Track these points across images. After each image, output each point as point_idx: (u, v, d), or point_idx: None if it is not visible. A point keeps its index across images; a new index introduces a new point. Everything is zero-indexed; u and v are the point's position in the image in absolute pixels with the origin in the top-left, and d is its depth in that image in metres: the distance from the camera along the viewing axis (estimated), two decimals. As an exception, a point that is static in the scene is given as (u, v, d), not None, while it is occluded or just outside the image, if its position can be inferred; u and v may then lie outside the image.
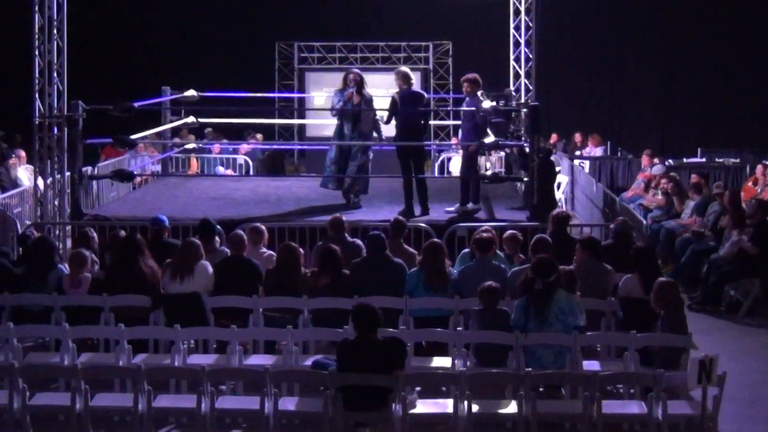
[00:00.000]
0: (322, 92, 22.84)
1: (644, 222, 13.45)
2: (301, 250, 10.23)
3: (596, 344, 9.43)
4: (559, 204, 16.55)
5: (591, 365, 8.59)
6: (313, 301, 9.46)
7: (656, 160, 18.17)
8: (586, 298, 9.28)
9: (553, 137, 21.83)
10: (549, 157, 15.18)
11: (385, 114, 13.61)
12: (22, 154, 17.93)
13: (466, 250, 10.66)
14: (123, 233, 11.25)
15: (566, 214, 11.54)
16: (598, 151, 21.43)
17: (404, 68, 13.93)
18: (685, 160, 20.37)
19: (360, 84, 13.72)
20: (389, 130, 13.83)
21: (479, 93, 13.40)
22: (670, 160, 19.08)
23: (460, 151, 15.47)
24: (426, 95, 14.34)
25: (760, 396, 9.24)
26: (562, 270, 8.93)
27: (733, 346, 10.77)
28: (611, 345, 9.20)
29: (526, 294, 8.66)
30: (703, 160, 20.60)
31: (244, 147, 20.04)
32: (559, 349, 8.50)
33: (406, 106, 13.31)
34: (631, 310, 9.24)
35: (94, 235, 11.27)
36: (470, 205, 13.41)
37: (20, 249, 12.55)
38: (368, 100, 13.86)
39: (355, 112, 13.68)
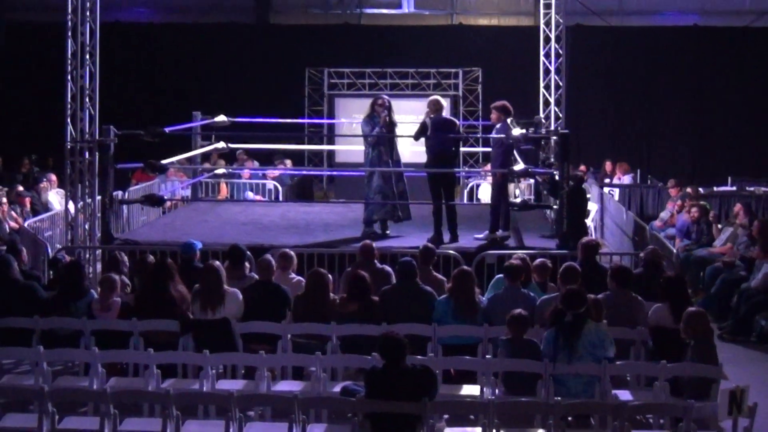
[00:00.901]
0: (351, 118, 22.87)
1: (674, 251, 13.38)
2: (329, 276, 10.23)
3: (626, 374, 9.37)
4: (589, 232, 16.46)
5: (621, 395, 8.54)
6: (342, 327, 9.46)
7: (689, 190, 18.04)
8: (616, 327, 9.24)
9: (582, 168, 21.72)
10: (581, 185, 15.12)
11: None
12: (53, 178, 18.11)
13: (500, 275, 10.56)
14: (151, 258, 11.30)
15: (595, 243, 11.48)
16: (626, 179, 21.34)
17: (436, 96, 13.91)
18: (715, 188, 20.27)
19: (390, 109, 13.73)
20: (420, 156, 13.82)
21: (509, 120, 13.38)
22: (701, 189, 18.96)
23: (489, 178, 15.44)
24: (457, 122, 14.30)
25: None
26: (589, 299, 8.88)
27: (765, 376, 10.67)
28: (641, 374, 9.14)
29: (556, 326, 8.62)
30: (734, 188, 20.48)
31: (273, 172, 20.10)
32: (588, 379, 8.44)
33: (437, 132, 13.29)
34: (661, 340, 9.18)
35: (125, 258, 11.31)
36: (500, 233, 13.37)
37: (51, 273, 12.62)
38: (396, 126, 13.88)
39: (390, 138, 13.67)
